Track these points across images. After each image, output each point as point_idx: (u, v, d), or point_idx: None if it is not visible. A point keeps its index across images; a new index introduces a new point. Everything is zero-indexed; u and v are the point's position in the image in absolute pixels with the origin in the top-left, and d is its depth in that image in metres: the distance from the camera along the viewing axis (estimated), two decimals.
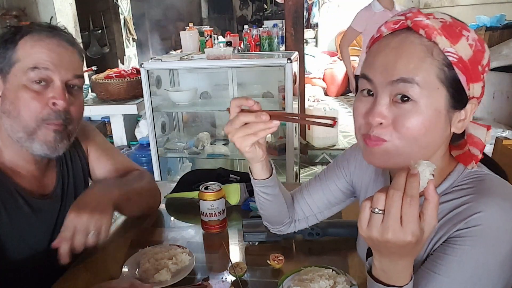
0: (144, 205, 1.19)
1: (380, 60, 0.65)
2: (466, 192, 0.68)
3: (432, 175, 0.56)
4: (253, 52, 3.06)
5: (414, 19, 0.63)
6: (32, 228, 0.93)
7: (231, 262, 0.97)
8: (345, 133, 4.49)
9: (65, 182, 1.03)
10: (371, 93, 0.67)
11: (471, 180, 0.70)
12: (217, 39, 3.17)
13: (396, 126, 0.64)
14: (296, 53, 2.75)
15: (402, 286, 0.61)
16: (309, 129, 3.92)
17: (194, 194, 1.30)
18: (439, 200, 0.57)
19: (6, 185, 0.89)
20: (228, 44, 2.89)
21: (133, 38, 5.23)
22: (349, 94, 6.26)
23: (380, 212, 0.56)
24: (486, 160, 0.74)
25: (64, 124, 0.89)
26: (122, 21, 5.07)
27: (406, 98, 0.62)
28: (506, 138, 1.28)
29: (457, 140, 0.72)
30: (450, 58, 0.62)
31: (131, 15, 5.24)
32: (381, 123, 0.64)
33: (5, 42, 0.87)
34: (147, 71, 2.56)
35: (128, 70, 3.00)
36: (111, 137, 3.16)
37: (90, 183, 1.15)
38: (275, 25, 3.32)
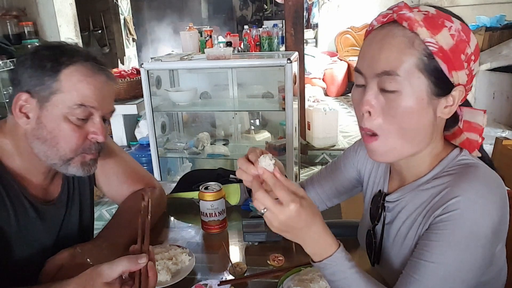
0: (155, 221, 1.19)
1: (368, 53, 0.70)
2: (451, 178, 0.71)
3: (273, 160, 0.68)
4: (253, 52, 3.06)
5: (399, 12, 0.67)
6: (38, 232, 0.94)
7: (231, 262, 0.97)
8: (345, 133, 4.48)
9: (70, 189, 1.04)
10: (363, 84, 0.71)
11: (458, 167, 0.72)
12: (217, 39, 3.17)
13: (384, 114, 0.68)
14: (296, 53, 2.76)
15: (332, 254, 0.69)
16: (309, 130, 3.92)
17: (194, 194, 1.30)
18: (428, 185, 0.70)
19: (15, 188, 0.90)
20: (228, 44, 2.89)
21: (133, 38, 5.23)
22: (348, 95, 6.26)
23: (265, 210, 0.65)
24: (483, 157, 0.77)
25: (98, 152, 0.93)
26: (122, 21, 5.06)
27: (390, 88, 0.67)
28: (506, 138, 1.28)
29: (451, 128, 0.76)
30: (430, 48, 0.65)
31: (131, 15, 5.24)
32: (369, 112, 0.69)
33: (44, 68, 0.84)
34: (147, 71, 2.56)
35: (128, 70, 3.00)
36: (111, 137, 3.17)
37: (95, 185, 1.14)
38: (275, 25, 3.32)
